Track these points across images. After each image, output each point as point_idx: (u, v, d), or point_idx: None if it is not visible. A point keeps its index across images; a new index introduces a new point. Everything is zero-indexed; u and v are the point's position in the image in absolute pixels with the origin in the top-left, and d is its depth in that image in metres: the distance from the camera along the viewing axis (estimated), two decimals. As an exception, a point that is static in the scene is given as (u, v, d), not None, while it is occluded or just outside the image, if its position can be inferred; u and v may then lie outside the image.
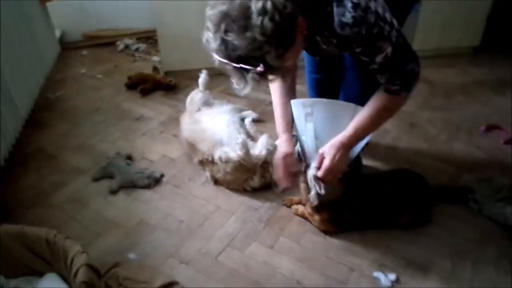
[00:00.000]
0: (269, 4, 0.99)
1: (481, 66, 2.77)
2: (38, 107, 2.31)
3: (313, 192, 1.39)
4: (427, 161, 1.91)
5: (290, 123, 1.49)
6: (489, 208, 1.59)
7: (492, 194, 1.61)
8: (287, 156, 1.43)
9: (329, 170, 1.33)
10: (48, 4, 2.66)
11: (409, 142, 2.05)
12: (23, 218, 1.59)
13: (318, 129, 1.43)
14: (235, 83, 1.11)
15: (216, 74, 2.15)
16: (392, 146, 2.02)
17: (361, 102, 1.41)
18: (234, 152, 1.65)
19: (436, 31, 2.72)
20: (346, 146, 1.34)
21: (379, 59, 1.17)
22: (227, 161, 1.66)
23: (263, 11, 0.98)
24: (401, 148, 2.01)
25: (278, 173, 1.45)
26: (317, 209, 1.49)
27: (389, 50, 1.15)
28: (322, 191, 1.36)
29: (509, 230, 1.52)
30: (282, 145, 1.46)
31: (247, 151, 1.63)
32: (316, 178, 1.36)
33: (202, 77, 2.11)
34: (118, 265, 1.37)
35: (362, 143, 1.43)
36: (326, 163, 1.33)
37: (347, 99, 1.65)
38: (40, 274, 1.29)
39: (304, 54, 1.76)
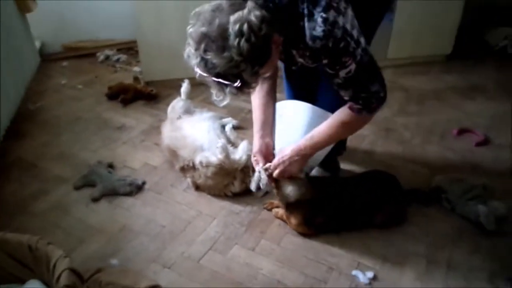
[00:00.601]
0: (245, 26, 1.06)
1: (452, 73, 2.88)
2: (18, 117, 2.30)
3: (253, 184, 1.48)
4: (402, 164, 1.97)
5: (267, 124, 1.54)
6: (461, 207, 1.66)
7: (464, 193, 1.68)
8: (255, 155, 1.51)
9: (278, 169, 1.43)
10: (27, 15, 2.66)
11: (385, 146, 2.11)
12: (5, 226, 1.58)
13: (282, 131, 1.51)
14: (215, 94, 1.19)
15: (197, 84, 2.16)
16: (369, 150, 2.08)
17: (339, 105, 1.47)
18: (214, 156, 1.69)
19: (409, 40, 2.82)
20: (302, 153, 1.41)
21: (342, 73, 1.22)
22: (208, 165, 1.69)
23: (239, 33, 1.06)
24: (377, 152, 2.07)
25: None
26: (291, 211, 1.53)
27: (352, 66, 1.20)
28: (264, 187, 1.47)
29: (480, 227, 1.59)
30: (254, 144, 1.54)
31: (227, 155, 1.67)
32: (266, 173, 1.46)
33: (184, 86, 2.15)
34: (101, 271, 1.37)
35: (323, 153, 1.49)
36: (275, 161, 1.44)
37: (322, 107, 1.70)
38: (22, 281, 1.28)
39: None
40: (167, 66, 2.57)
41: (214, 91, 1.19)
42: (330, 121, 1.37)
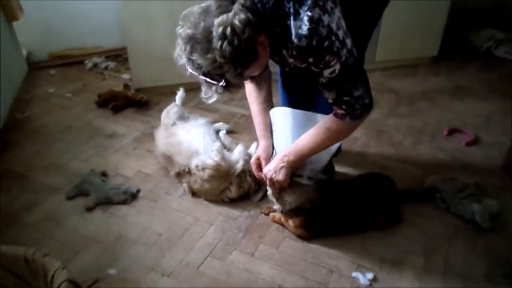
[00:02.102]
0: (228, 30, 1.09)
1: (439, 74, 2.93)
2: (6, 127, 2.26)
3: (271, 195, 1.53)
4: (395, 165, 1.99)
5: (269, 129, 1.55)
6: (455, 206, 1.68)
7: (458, 192, 1.70)
8: (257, 159, 1.54)
9: (267, 179, 1.47)
10: (14, 23, 2.63)
11: (377, 147, 2.13)
12: (-3, 239, 1.55)
13: (277, 138, 1.52)
14: (204, 92, 1.25)
15: (189, 90, 2.19)
16: (361, 152, 2.10)
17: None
18: (210, 159, 1.69)
19: (397, 42, 2.86)
20: (288, 160, 1.42)
21: (326, 73, 1.22)
22: (204, 167, 1.69)
23: (223, 36, 1.10)
24: (370, 153, 2.09)
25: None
26: (290, 215, 1.53)
27: (337, 67, 1.20)
28: (275, 203, 1.50)
29: (475, 225, 1.61)
30: (258, 149, 1.56)
31: (223, 157, 1.68)
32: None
33: (180, 93, 2.16)
34: (99, 281, 1.35)
35: (325, 157, 1.50)
36: (264, 170, 1.48)
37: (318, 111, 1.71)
38: (18, 294, 1.26)
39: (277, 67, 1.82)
40: (157, 72, 2.56)
41: (203, 88, 1.24)
42: (316, 128, 1.38)
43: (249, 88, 1.57)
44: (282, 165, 1.43)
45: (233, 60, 1.13)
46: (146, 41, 2.47)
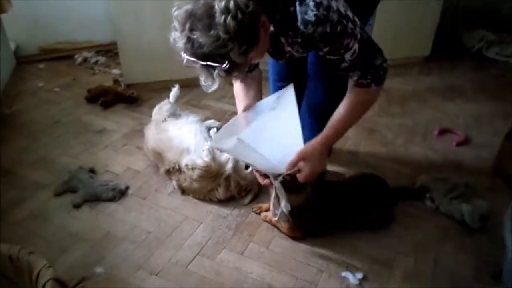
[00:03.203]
0: (231, 3, 1.03)
1: (431, 74, 2.94)
2: (-7, 122, 2.22)
3: (283, 202, 1.38)
4: (386, 164, 1.99)
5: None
6: (445, 206, 1.68)
7: (448, 192, 1.71)
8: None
9: (312, 174, 1.33)
10: (1, 16, 2.58)
11: (369, 147, 2.13)
12: (-18, 237, 1.52)
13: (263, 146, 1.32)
14: (203, 80, 1.15)
15: (181, 86, 2.17)
16: (353, 151, 2.09)
17: (323, 109, 1.46)
18: (201, 159, 1.67)
19: (389, 42, 2.84)
20: (326, 147, 1.38)
21: (348, 56, 1.22)
22: (194, 167, 1.67)
23: (226, 10, 1.03)
24: (361, 153, 2.08)
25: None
26: (286, 218, 1.52)
27: (356, 46, 1.20)
28: (284, 205, 1.37)
29: (465, 225, 1.62)
30: None
31: (213, 157, 1.65)
32: (284, 186, 1.36)
33: (174, 90, 2.14)
34: (86, 279, 1.33)
35: None
36: (307, 169, 1.32)
37: (310, 106, 1.70)
38: (2, 293, 1.23)
39: (269, 64, 1.81)
40: (148, 68, 2.53)
41: (202, 77, 1.14)
42: (346, 106, 1.35)
43: (237, 87, 1.52)
44: (321, 155, 1.35)
45: (238, 36, 1.05)
46: (136, 36, 2.44)
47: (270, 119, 1.38)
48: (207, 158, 1.65)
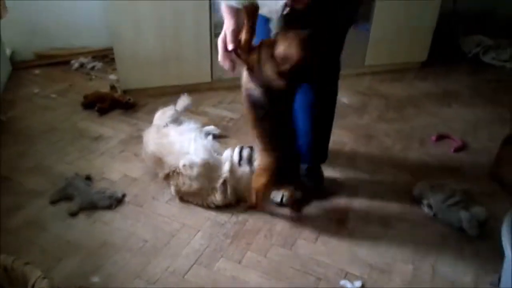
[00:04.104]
0: None
1: (428, 79, 2.94)
2: (-12, 129, 2.21)
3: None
4: (384, 170, 1.99)
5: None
6: (443, 213, 1.68)
7: (446, 199, 1.70)
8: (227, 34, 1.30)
9: None
10: (-3, 22, 2.57)
11: (367, 152, 2.13)
12: (-24, 246, 1.50)
13: None
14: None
15: (177, 93, 2.17)
16: (351, 157, 2.09)
17: (315, 109, 1.52)
18: (198, 158, 1.69)
19: (386, 47, 2.86)
20: None
21: None
22: (192, 166, 1.68)
23: None
24: (359, 158, 2.08)
25: (219, 53, 1.34)
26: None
27: None
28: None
29: (463, 232, 1.61)
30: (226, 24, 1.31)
31: (211, 155, 1.68)
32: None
33: (183, 99, 2.14)
34: (82, 289, 1.32)
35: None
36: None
37: (302, 106, 1.70)
38: (-3, 304, 1.22)
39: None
40: (145, 74, 2.52)
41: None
42: None
43: None
44: None
45: None
46: (133, 42, 2.43)
47: None
48: (204, 156, 1.67)
